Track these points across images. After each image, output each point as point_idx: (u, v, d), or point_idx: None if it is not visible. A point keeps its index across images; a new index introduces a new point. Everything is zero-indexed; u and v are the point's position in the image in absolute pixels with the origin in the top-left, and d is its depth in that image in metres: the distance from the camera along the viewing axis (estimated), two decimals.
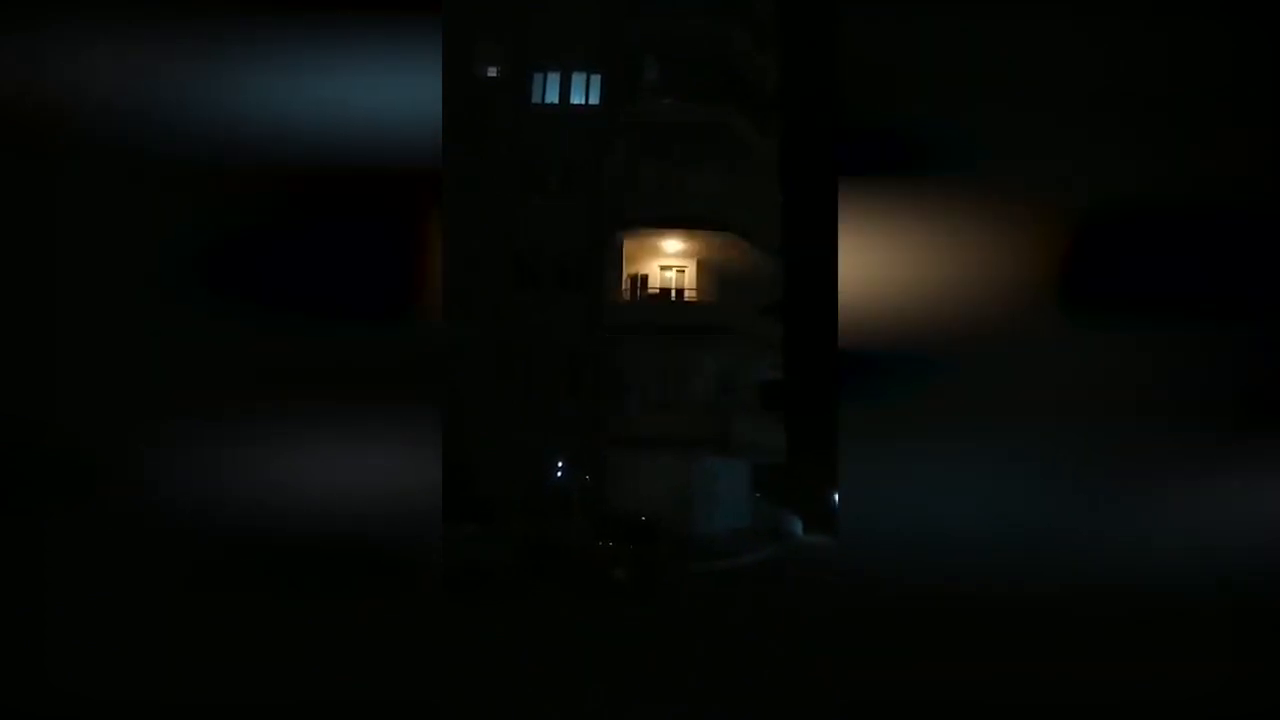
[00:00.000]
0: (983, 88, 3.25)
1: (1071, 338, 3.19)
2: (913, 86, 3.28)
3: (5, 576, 3.05)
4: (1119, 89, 3.17)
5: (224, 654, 3.12)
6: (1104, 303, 3.18)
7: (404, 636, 3.17)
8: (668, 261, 21.68)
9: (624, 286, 20.98)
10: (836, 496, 29.11)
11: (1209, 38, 3.15)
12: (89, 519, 3.11)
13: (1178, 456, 3.12)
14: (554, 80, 21.82)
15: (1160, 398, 3.13)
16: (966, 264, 3.25)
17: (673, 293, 21.49)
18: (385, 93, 3.26)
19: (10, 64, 3.13)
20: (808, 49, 26.70)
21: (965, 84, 3.25)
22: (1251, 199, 3.12)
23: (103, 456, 3.14)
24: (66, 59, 3.16)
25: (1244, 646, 3.03)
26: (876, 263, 3.33)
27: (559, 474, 19.39)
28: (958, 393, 3.23)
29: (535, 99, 21.74)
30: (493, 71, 21.92)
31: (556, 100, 21.74)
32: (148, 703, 3.09)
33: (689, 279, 21.68)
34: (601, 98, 21.63)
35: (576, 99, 21.76)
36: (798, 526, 29.48)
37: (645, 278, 21.54)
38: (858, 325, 3.35)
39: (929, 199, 3.28)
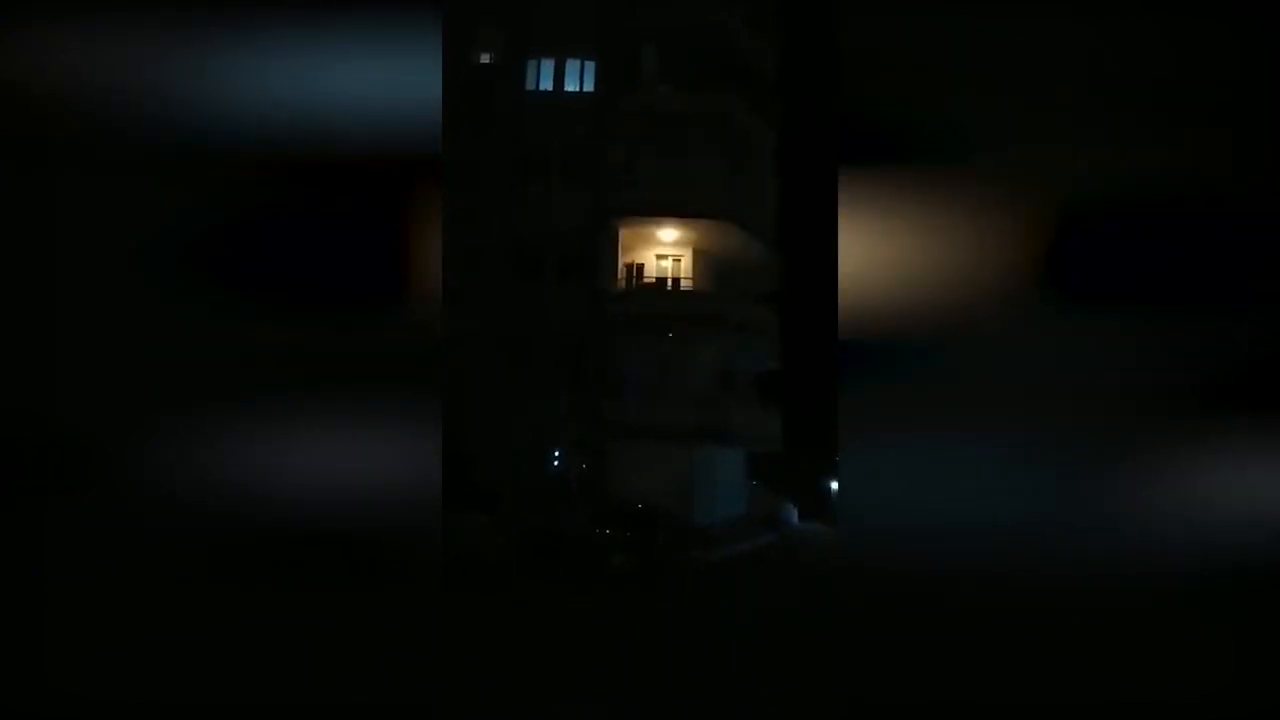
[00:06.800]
0: (981, 77, 3.24)
1: (1068, 325, 3.20)
2: (912, 75, 3.28)
3: (4, 569, 3.06)
4: (1117, 81, 3.18)
5: (222, 646, 3.12)
6: (1097, 291, 3.19)
7: (405, 626, 3.18)
8: (664, 250, 21.64)
9: (620, 275, 20.94)
10: (833, 484, 29.20)
11: (1206, 31, 3.15)
12: (88, 511, 3.11)
13: (1171, 443, 3.13)
14: (552, 68, 21.74)
15: (1153, 384, 3.14)
16: (967, 253, 3.25)
17: (669, 281, 21.46)
18: (386, 80, 3.25)
19: (11, 54, 3.12)
20: (807, 36, 26.59)
21: (964, 73, 3.25)
22: (1241, 187, 3.13)
23: (101, 448, 3.14)
24: (67, 48, 3.14)
25: (1242, 637, 3.05)
26: (876, 251, 3.33)
27: (558, 463, 19.40)
28: (956, 381, 3.24)
29: (533, 87, 21.65)
30: (491, 59, 21.82)
31: (553, 88, 21.66)
32: (148, 701, 3.09)
33: (685, 268, 21.65)
34: (599, 86, 21.55)
35: (574, 87, 21.69)
36: (794, 514, 29.55)
37: (641, 266, 21.51)
38: (857, 314, 3.36)
39: (929, 188, 3.28)
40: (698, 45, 21.51)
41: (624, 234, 20.90)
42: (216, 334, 3.21)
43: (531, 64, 21.70)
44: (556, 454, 19.35)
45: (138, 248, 3.17)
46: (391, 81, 3.25)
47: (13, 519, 3.07)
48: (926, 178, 3.27)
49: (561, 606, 11.48)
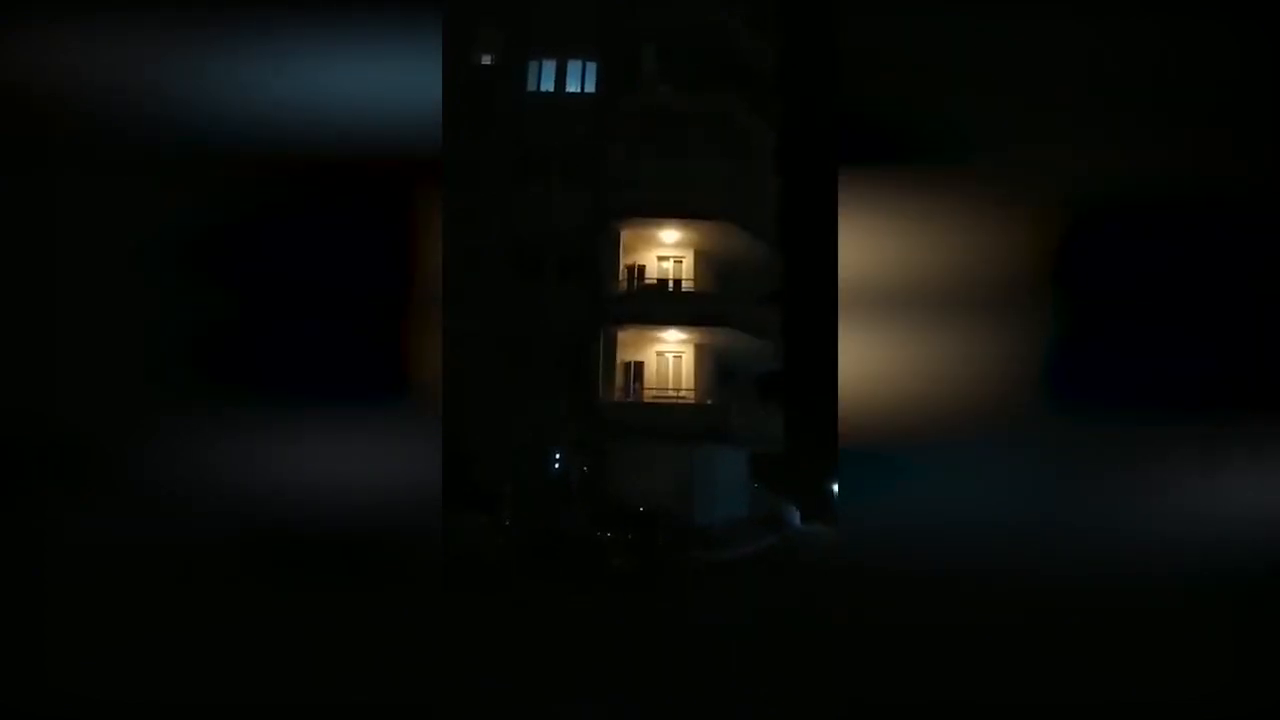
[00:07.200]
0: (981, 77, 3.24)
1: (1067, 326, 3.20)
2: (912, 75, 3.28)
3: (4, 569, 3.06)
4: (1117, 81, 3.18)
5: (222, 646, 3.12)
6: (1097, 290, 3.19)
7: (405, 626, 3.18)
8: (665, 251, 21.65)
9: (621, 276, 20.96)
10: (835, 486, 29.21)
11: (1206, 31, 3.15)
12: (88, 511, 3.11)
13: (1171, 443, 3.13)
14: (552, 68, 21.76)
15: (1153, 383, 3.14)
16: (967, 252, 3.25)
17: (670, 283, 21.47)
18: (386, 80, 3.26)
19: (11, 54, 3.12)
20: (807, 36, 26.61)
21: (964, 73, 3.25)
22: (1241, 187, 3.14)
23: (101, 448, 3.14)
24: (67, 48, 3.14)
25: (1242, 637, 3.05)
26: (876, 251, 3.33)
27: (558, 463, 19.41)
28: (956, 380, 3.24)
29: (533, 87, 21.68)
30: (491, 59, 21.85)
31: (554, 88, 21.69)
32: (148, 701, 3.08)
33: (686, 269, 21.66)
34: (600, 86, 21.57)
35: (574, 87, 21.71)
36: (796, 515, 29.55)
37: (643, 268, 21.53)
38: (857, 313, 3.36)
39: (929, 188, 3.28)
40: (698, 45, 21.52)
41: (625, 235, 20.90)
42: (216, 333, 3.21)
43: (532, 64, 21.72)
44: (556, 454, 19.35)
45: (138, 248, 3.17)
46: (391, 81, 3.25)
47: (13, 519, 3.07)
48: (926, 178, 3.27)
49: (561, 606, 11.49)
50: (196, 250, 3.20)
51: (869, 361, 3.33)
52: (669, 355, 21.42)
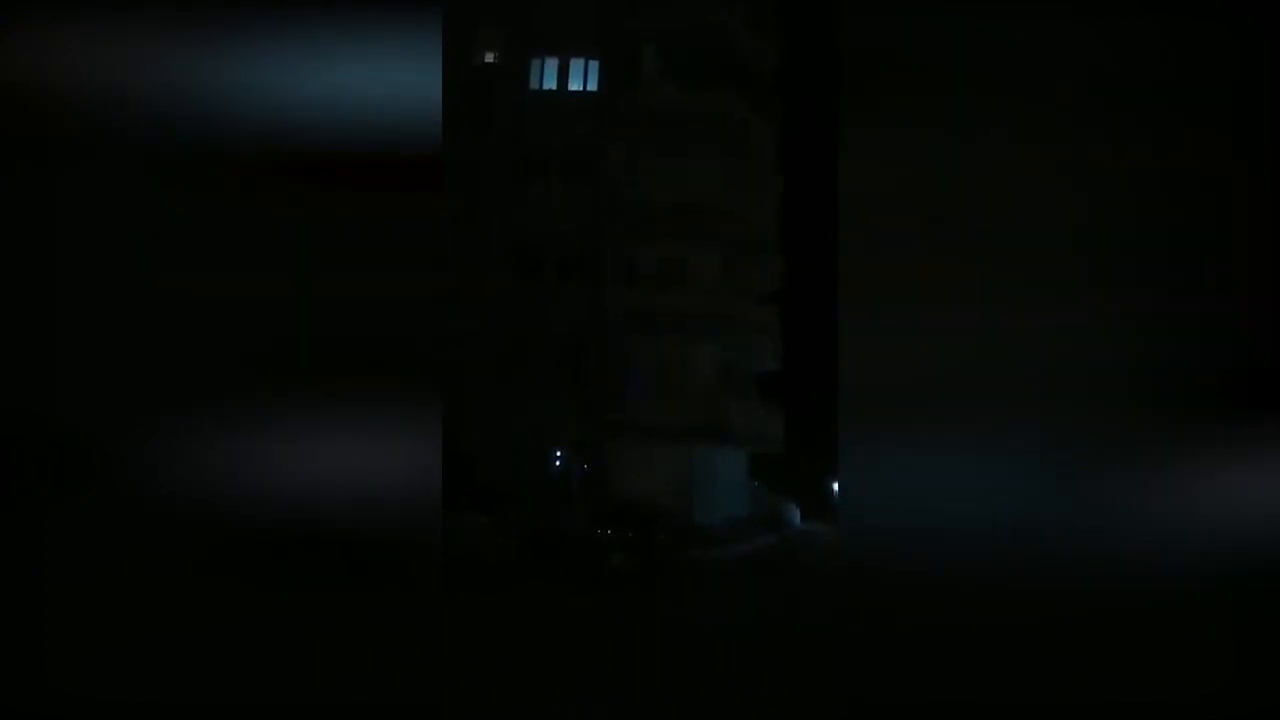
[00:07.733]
0: (981, 77, 3.25)
1: (1068, 325, 3.20)
2: (912, 75, 3.28)
3: (4, 569, 3.06)
4: (1117, 81, 3.18)
5: (222, 646, 3.12)
6: (1097, 290, 3.19)
7: (405, 626, 3.18)
8: (665, 251, 21.65)
9: (621, 276, 20.96)
10: (834, 485, 29.22)
11: (1207, 31, 3.15)
12: (89, 510, 3.11)
13: (1174, 445, 3.13)
14: (553, 67, 21.78)
15: (1153, 383, 3.14)
16: (967, 252, 3.25)
17: (670, 282, 21.47)
18: (386, 79, 3.25)
19: (11, 54, 3.12)
20: (807, 36, 26.60)
21: (964, 73, 3.25)
22: (1241, 187, 3.14)
23: (102, 447, 3.14)
24: (67, 48, 3.15)
25: (1242, 637, 3.05)
26: (876, 250, 3.34)
27: (559, 463, 19.42)
28: (957, 380, 3.24)
29: (534, 87, 21.69)
30: (492, 58, 21.87)
31: (555, 88, 21.70)
32: (148, 701, 3.08)
33: (686, 268, 21.67)
34: (601, 85, 21.59)
35: (575, 86, 21.72)
36: (795, 514, 29.55)
37: (642, 267, 21.53)
38: (857, 313, 3.36)
39: (930, 186, 3.28)
40: (698, 45, 21.53)
41: (624, 234, 20.91)
42: (216, 334, 3.21)
43: (533, 64, 21.74)
44: (557, 454, 19.36)
45: (138, 248, 3.17)
46: (391, 81, 3.25)
47: (13, 519, 3.07)
48: (926, 177, 3.27)
49: (561, 606, 11.49)
50: (196, 249, 3.20)
51: (869, 361, 3.33)
52: (669, 354, 21.41)
